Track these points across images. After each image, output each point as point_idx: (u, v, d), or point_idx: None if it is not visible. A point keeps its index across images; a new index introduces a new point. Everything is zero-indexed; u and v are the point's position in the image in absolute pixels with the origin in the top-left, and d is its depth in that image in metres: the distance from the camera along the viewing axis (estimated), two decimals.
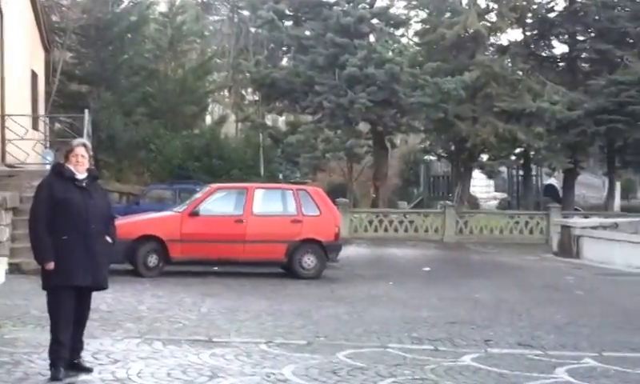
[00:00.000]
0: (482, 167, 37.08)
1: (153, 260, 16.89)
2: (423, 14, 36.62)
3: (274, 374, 8.10)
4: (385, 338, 10.33)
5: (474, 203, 38.31)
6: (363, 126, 35.80)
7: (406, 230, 30.45)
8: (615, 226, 24.94)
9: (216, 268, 17.67)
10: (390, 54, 32.53)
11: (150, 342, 9.42)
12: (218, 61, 44.04)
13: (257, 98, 39.06)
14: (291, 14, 36.63)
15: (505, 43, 36.91)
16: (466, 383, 8.03)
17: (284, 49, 38.78)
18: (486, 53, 35.39)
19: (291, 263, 17.50)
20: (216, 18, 52.05)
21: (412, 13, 36.70)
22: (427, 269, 20.43)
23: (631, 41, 35.26)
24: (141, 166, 36.21)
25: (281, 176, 37.18)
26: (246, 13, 41.79)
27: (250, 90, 41.98)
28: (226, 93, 46.58)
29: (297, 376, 8.03)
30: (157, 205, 24.01)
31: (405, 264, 22.19)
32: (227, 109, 46.23)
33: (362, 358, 8.96)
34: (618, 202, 39.48)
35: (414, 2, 36.23)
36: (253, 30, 40.27)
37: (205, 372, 8.05)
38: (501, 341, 10.46)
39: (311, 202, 17.93)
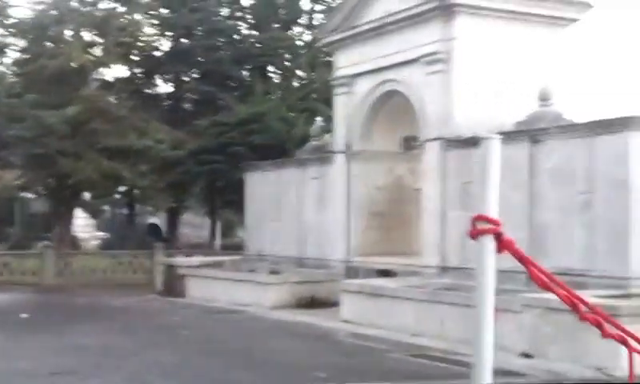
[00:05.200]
0: (84, 205, 35.88)
1: None
2: (23, 43, 34.68)
3: None
4: None
5: (75, 243, 36.94)
6: None
7: (0, 274, 28.35)
8: (221, 265, 25.42)
9: None
10: None
11: None
12: None
13: None
14: None
15: (110, 79, 36.34)
16: None
17: None
18: (92, 87, 34.47)
19: None
20: None
21: (10, 40, 34.54)
22: (25, 315, 18.98)
23: (233, 84, 36.68)
24: None
25: None
26: None
27: None
28: None
29: None
30: None
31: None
32: None
33: None
34: (219, 240, 40.57)
35: (11, 29, 34.18)
36: None
37: None
38: None
39: None
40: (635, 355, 3.06)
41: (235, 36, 37.85)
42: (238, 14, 38.41)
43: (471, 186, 17.31)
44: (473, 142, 17.00)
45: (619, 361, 11.00)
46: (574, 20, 19.48)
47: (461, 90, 18.29)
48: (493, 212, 2.88)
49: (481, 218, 2.87)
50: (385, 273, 19.57)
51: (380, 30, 20.38)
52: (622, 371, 10.84)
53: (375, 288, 17.19)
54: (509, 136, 15.49)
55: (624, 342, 3.02)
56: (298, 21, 38.59)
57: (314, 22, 37.41)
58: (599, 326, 2.97)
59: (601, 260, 14.58)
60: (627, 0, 41.00)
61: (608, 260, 14.44)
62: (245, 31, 38.33)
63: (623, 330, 3.03)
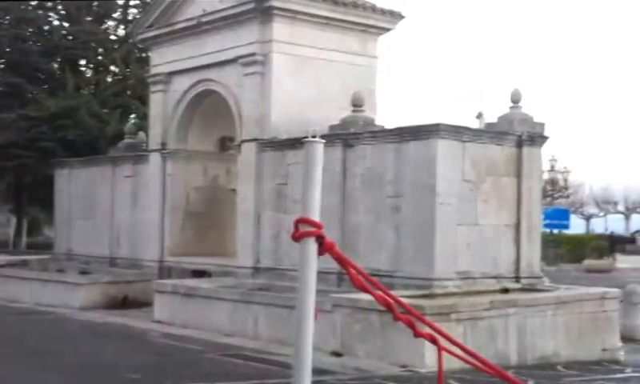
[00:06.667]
0: None
1: None
2: None
3: None
4: None
5: None
6: None
7: None
8: (27, 264, 24.53)
9: None
10: None
11: None
12: None
13: None
14: None
15: None
16: None
17: None
18: None
19: None
20: None
21: None
22: None
23: (43, 77, 35.33)
24: None
25: None
26: None
27: None
28: None
29: None
30: None
31: None
32: None
33: None
34: (24, 239, 39.01)
35: None
36: None
37: None
38: None
39: None
40: (444, 352, 3.22)
41: (45, 27, 36.49)
42: (49, 4, 37.05)
43: (285, 188, 17.58)
44: (288, 144, 17.27)
45: (424, 359, 11.52)
46: (387, 29, 20.14)
47: (278, 92, 18.49)
48: (315, 215, 2.97)
49: (304, 221, 2.95)
50: (200, 273, 19.50)
51: (197, 28, 20.25)
52: (426, 368, 11.36)
53: (189, 288, 17.11)
54: (323, 139, 15.81)
55: (434, 341, 3.18)
56: (112, 15, 37.70)
57: (129, 17, 36.66)
58: (411, 325, 3.11)
59: (407, 261, 15.17)
60: (440, 13, 43.09)
61: (414, 261, 15.05)
62: (55, 22, 37.02)
63: (435, 329, 3.20)
